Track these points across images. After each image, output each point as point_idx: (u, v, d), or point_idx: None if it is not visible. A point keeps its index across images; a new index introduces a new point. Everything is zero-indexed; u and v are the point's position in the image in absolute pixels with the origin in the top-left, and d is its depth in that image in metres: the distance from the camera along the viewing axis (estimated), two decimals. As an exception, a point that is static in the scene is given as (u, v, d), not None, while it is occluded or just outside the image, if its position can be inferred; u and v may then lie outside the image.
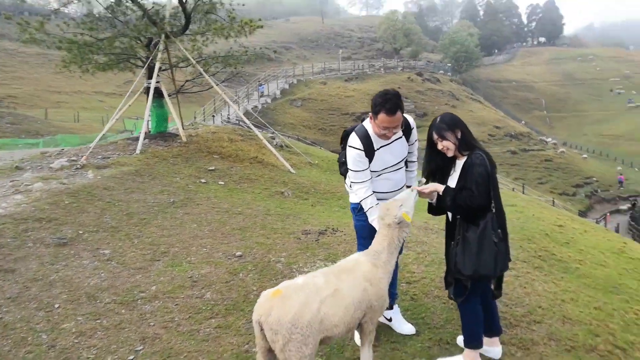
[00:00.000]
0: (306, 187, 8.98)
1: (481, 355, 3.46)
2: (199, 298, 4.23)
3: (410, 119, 3.71)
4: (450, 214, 3.36)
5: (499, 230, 3.12)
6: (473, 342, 3.30)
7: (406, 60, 61.38)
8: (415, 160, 3.91)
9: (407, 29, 64.33)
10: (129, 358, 3.36)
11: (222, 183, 8.33)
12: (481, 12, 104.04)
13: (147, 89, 10.55)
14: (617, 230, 23.38)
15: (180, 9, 10.78)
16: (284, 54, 64.06)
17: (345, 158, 3.58)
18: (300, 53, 68.30)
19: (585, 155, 47.83)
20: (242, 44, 12.33)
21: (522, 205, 9.79)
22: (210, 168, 8.98)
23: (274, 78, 44.18)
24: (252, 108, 34.91)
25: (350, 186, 3.65)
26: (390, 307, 3.90)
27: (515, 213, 8.71)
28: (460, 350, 3.48)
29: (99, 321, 3.78)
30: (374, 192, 3.53)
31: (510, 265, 5.33)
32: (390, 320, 3.90)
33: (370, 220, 3.49)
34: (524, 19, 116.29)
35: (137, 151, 9.08)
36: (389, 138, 3.42)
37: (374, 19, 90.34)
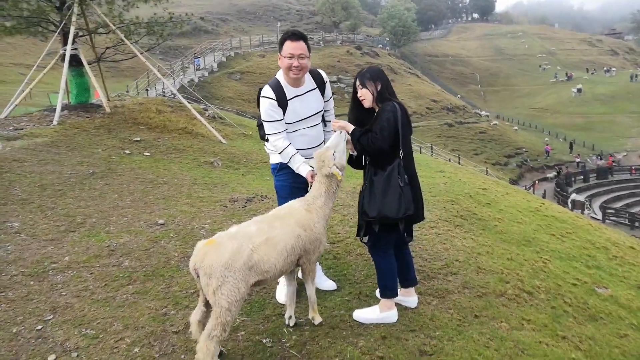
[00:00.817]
0: (237, 157, 8.82)
1: (398, 305, 3.58)
2: (117, 266, 4.07)
3: (323, 73, 3.70)
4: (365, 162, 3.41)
5: (406, 176, 3.20)
6: (387, 292, 3.40)
7: (345, 33, 61.32)
8: (334, 118, 3.91)
9: (345, 2, 64.14)
10: (38, 328, 3.19)
11: (148, 154, 8.00)
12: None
13: (63, 57, 9.82)
14: (544, 196, 24.91)
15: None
16: (221, 26, 62.09)
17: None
18: (238, 25, 66.42)
19: (516, 127, 50.19)
20: (173, 14, 11.71)
21: (451, 171, 10.15)
22: (136, 139, 8.59)
23: (211, 51, 42.85)
24: (188, 82, 33.80)
25: (267, 139, 3.59)
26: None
27: (443, 178, 9.02)
28: (379, 302, 3.58)
29: (3, 294, 3.55)
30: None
31: (432, 224, 5.59)
32: (311, 277, 3.93)
33: (295, 168, 3.46)
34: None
35: (55, 122, 8.50)
36: (298, 75, 3.38)
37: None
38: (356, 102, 3.37)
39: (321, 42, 54.45)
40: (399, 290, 3.60)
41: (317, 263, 3.99)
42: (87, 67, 10.00)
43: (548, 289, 4.40)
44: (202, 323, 2.79)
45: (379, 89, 3.27)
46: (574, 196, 28.97)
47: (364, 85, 3.27)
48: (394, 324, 3.38)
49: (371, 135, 3.13)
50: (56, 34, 9.90)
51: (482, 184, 9.03)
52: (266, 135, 3.54)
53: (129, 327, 3.22)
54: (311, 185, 3.33)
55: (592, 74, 72.70)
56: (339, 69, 47.17)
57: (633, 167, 38.49)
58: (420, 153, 24.52)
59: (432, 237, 5.10)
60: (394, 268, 3.41)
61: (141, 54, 10.62)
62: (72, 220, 4.93)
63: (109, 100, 10.90)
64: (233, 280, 2.63)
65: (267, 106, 3.41)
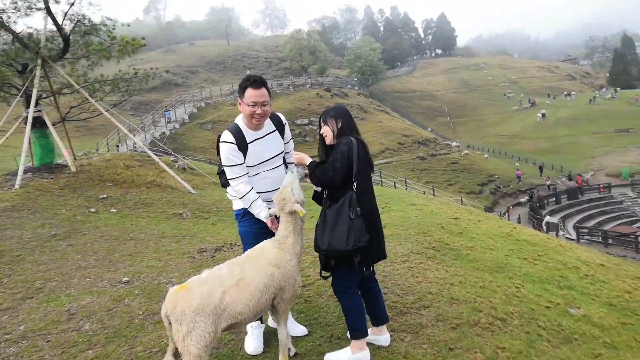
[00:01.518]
0: (207, 206, 8.72)
1: (370, 344, 3.49)
2: (76, 331, 3.89)
3: (281, 115, 3.74)
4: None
5: (358, 209, 3.16)
6: (357, 332, 3.32)
7: (314, 77, 62.72)
8: (295, 161, 3.92)
9: (312, 46, 65.93)
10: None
11: (115, 210, 7.85)
12: (381, 28, 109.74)
13: (26, 119, 9.73)
14: (519, 221, 25.23)
15: (57, 32, 10.10)
16: (191, 78, 62.83)
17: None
18: (208, 76, 67.33)
19: (486, 156, 51.27)
20: (138, 69, 11.81)
21: (422, 204, 10.21)
22: (102, 196, 8.44)
23: (181, 103, 43.20)
24: (159, 135, 33.83)
25: (229, 184, 3.58)
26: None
27: (415, 211, 9.06)
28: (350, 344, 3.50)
29: (-51, 374, 3.34)
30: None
31: (404, 258, 5.56)
32: (280, 324, 3.83)
33: (255, 214, 3.43)
34: (421, 33, 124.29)
35: (16, 186, 8.32)
36: (259, 121, 3.40)
37: (279, 38, 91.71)
38: (322, 140, 3.45)
39: (291, 87, 55.55)
40: (369, 329, 3.53)
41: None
42: (51, 127, 9.91)
43: (522, 314, 4.37)
44: None
45: (339, 126, 3.35)
46: (547, 219, 29.40)
47: (325, 123, 3.38)
48: (368, 365, 3.29)
49: (324, 166, 3.19)
50: (18, 97, 9.84)
51: (453, 214, 9.09)
52: (228, 181, 3.53)
53: (88, 395, 3.05)
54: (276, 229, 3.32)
55: (554, 98, 75.60)
56: (309, 112, 47.93)
57: (601, 186, 39.55)
58: (395, 188, 24.70)
59: (404, 272, 5.06)
60: (360, 307, 3.34)
61: (107, 111, 10.58)
62: (30, 286, 4.73)
63: (75, 159, 10.75)
64: (203, 325, 2.62)
65: (228, 151, 3.41)
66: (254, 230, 3.55)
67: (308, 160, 3.31)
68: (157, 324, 3.94)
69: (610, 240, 24.52)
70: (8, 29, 9.67)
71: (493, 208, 35.16)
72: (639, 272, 7.77)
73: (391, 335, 3.65)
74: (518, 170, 44.06)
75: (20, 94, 9.83)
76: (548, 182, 41.41)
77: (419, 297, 4.39)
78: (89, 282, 4.87)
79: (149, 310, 4.19)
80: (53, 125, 10.03)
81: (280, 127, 3.67)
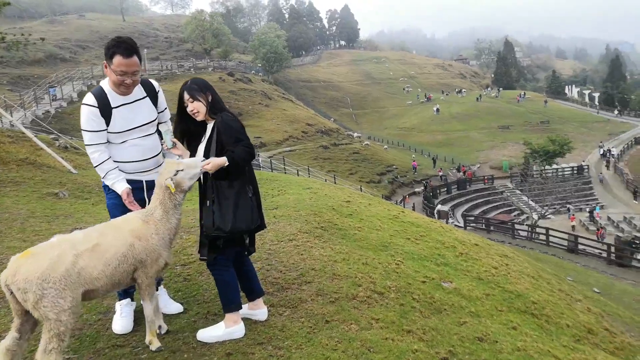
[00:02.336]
0: (90, 186, 8.09)
1: (247, 319, 3.46)
2: None
3: (155, 82, 3.54)
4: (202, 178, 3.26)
5: (251, 186, 3.23)
6: (231, 305, 3.28)
7: (217, 60, 61.03)
8: (171, 132, 3.72)
9: (215, 29, 63.95)
10: None
11: (-25, 190, 7.01)
12: (286, 15, 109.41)
13: None
14: (413, 209, 26.72)
15: None
16: (81, 54, 57.69)
17: None
18: (100, 53, 62.42)
19: (386, 147, 53.59)
20: (6, 34, 10.53)
21: (318, 188, 10.38)
22: (-41, 174, 7.49)
23: (69, 80, 39.66)
24: (42, 113, 30.86)
25: (87, 150, 3.33)
26: (155, 289, 3.67)
27: (309, 194, 9.17)
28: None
29: None
30: (123, 161, 3.31)
31: (292, 237, 5.58)
32: (155, 303, 3.66)
33: (110, 185, 3.24)
34: (325, 23, 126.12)
35: None
36: (128, 89, 3.18)
37: (180, 18, 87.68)
38: (185, 114, 3.24)
39: (192, 69, 53.58)
40: (245, 305, 3.50)
41: (163, 287, 3.75)
42: None
43: (399, 288, 4.59)
44: (12, 352, 2.54)
45: (210, 100, 3.21)
46: (439, 207, 31.52)
47: (195, 99, 3.15)
48: (241, 339, 3.25)
49: (243, 145, 3.07)
50: None
51: (346, 198, 9.34)
52: (85, 146, 3.27)
53: None
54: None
55: (447, 95, 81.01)
56: (212, 96, 46.53)
57: (485, 177, 43.29)
58: (298, 175, 24.91)
59: (290, 250, 5.08)
60: (234, 281, 3.31)
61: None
62: None
63: None
64: (54, 292, 2.47)
65: (88, 114, 3.16)
66: (122, 203, 3.32)
67: (220, 160, 3.02)
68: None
69: (492, 227, 26.91)
70: None
71: (391, 197, 36.90)
72: (507, 252, 8.59)
73: (270, 310, 3.65)
74: (414, 161, 46.66)
75: None
76: (440, 174, 44.32)
77: (302, 274, 4.43)
78: None
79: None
80: None
81: (152, 94, 3.46)
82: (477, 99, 74.06)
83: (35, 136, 10.08)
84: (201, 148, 3.27)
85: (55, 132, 13.21)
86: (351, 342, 3.37)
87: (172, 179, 3.00)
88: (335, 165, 42.53)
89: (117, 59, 3.05)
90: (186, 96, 3.16)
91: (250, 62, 68.88)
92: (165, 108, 3.63)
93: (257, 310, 3.53)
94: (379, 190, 38.24)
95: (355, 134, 56.16)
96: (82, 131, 3.22)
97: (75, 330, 3.35)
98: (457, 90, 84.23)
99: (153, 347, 3.04)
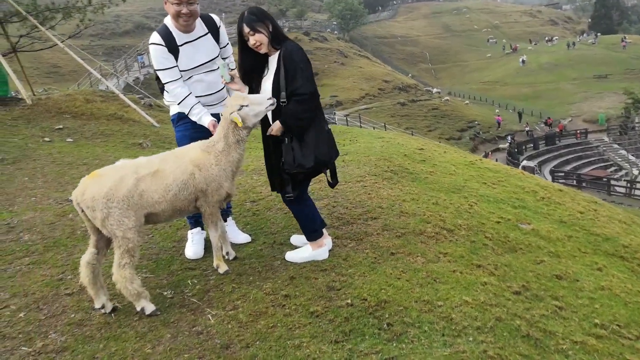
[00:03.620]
0: (170, 137, 8.53)
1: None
2: (14, 241, 3.82)
3: (216, 17, 3.54)
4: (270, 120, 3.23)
5: (325, 119, 3.23)
6: (315, 233, 3.36)
7: (292, 20, 60.81)
8: (234, 67, 3.74)
9: (291, -11, 63.49)
10: None
11: (71, 140, 7.63)
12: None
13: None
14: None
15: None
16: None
17: None
18: (183, 20, 64.60)
19: (467, 102, 51.20)
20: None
21: (391, 137, 10.16)
22: (58, 127, 8.18)
23: (155, 47, 41.37)
24: (133, 80, 32.75)
25: (162, 90, 3.45)
26: (224, 220, 3.81)
27: (381, 142, 9.00)
28: (293, 249, 3.51)
29: None
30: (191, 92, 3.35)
31: (360, 178, 5.53)
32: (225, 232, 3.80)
33: (196, 119, 3.32)
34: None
35: (-35, 115, 8.01)
36: (187, 22, 3.21)
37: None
38: (246, 49, 3.11)
39: (269, 31, 53.79)
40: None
41: (231, 218, 3.88)
42: (1, 58, 9.41)
43: (470, 226, 4.41)
44: (92, 265, 2.72)
45: (271, 30, 3.06)
46: (524, 163, 29.84)
47: (255, 30, 2.99)
48: (304, 266, 3.30)
49: (295, 101, 2.99)
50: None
51: (420, 146, 9.07)
52: (164, 85, 3.38)
53: (17, 295, 3.01)
54: None
55: (535, 44, 74.99)
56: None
57: (578, 131, 40.03)
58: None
59: (357, 189, 5.03)
60: (314, 210, 3.39)
61: (62, 42, 10.07)
62: (-29, 204, 4.62)
63: (33, 93, 10.32)
64: (119, 211, 2.59)
65: (158, 53, 3.24)
66: (191, 135, 3.43)
67: (278, 125, 3.03)
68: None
69: (584, 184, 25.11)
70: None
71: (472, 154, 35.50)
72: (596, 199, 7.95)
73: (334, 242, 3.66)
74: (498, 116, 44.23)
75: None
76: (527, 128, 41.72)
77: (368, 210, 4.39)
78: (34, 200, 4.77)
79: (94, 225, 4.11)
80: (4, 56, 9.52)
81: (214, 30, 3.47)
82: (568, 46, 67.77)
83: (123, 96, 10.72)
84: (266, 83, 3.17)
85: (143, 92, 13.97)
86: (416, 272, 3.30)
87: (237, 113, 2.97)
88: (413, 122, 41.46)
89: None
90: (246, 29, 3.00)
91: (325, 21, 67.93)
92: (228, 43, 3.64)
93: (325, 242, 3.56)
94: (460, 147, 36.80)
95: (435, 90, 54.13)
96: (157, 72, 3.30)
97: (152, 255, 3.59)
98: (547, 38, 77.65)
99: (221, 270, 3.18)
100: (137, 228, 2.67)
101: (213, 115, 3.49)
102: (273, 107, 3.03)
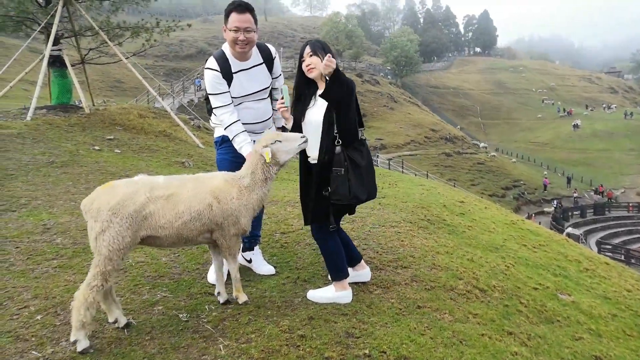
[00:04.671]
0: (212, 159, 8.68)
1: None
2: (47, 242, 3.90)
3: (271, 47, 3.60)
4: (307, 150, 3.23)
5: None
6: (340, 273, 3.27)
7: (347, 61, 62.09)
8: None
9: (349, 31, 65.05)
10: (-62, 295, 2.99)
11: (119, 151, 7.89)
12: (421, 20, 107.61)
13: (49, 57, 9.82)
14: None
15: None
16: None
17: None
18: (242, 49, 67.04)
19: (514, 160, 50.16)
20: (160, 19, 11.76)
21: (431, 186, 9.98)
22: (109, 137, 8.50)
23: (213, 72, 43.06)
24: (187, 101, 34.03)
25: (210, 113, 3.49)
26: (251, 249, 3.77)
27: (420, 189, 8.84)
28: (317, 287, 3.42)
29: None
30: (239, 120, 3.37)
31: (394, 224, 5.41)
32: (250, 261, 3.77)
33: (238, 148, 3.32)
34: (461, 29, 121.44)
35: (28, 118, 8.44)
36: (243, 49, 3.26)
37: (317, 20, 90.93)
38: (302, 75, 3.18)
39: (323, 69, 55.01)
40: (349, 270, 3.45)
41: (258, 248, 3.82)
42: (70, 68, 9.99)
43: (505, 289, 4.18)
44: None
45: None
46: (569, 230, 28.63)
47: (315, 54, 3.08)
48: (325, 307, 3.18)
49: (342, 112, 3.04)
50: (36, 31, 9.91)
51: (461, 198, 8.85)
52: (213, 109, 3.42)
53: (38, 297, 3.03)
54: None
55: (592, 110, 73.23)
56: (339, 95, 47.48)
57: (630, 204, 38.19)
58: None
59: (390, 235, 4.90)
60: (341, 249, 3.30)
61: (127, 58, 10.60)
62: (15, 201, 4.78)
63: (93, 104, 10.84)
64: (118, 227, 2.45)
65: (212, 78, 3.31)
66: (231, 159, 3.45)
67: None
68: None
69: (633, 260, 23.71)
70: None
71: (514, 213, 34.45)
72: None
73: (359, 286, 3.54)
74: (546, 178, 43.02)
75: (39, 29, 9.88)
76: (575, 195, 40.25)
77: (399, 258, 4.24)
78: (73, 205, 4.88)
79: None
80: (72, 66, 10.09)
81: (268, 61, 3.53)
82: (626, 115, 65.76)
83: (174, 115, 11.09)
84: (310, 113, 3.18)
85: (194, 114, 14.43)
86: (442, 330, 3.12)
87: (269, 147, 2.95)
88: (456, 174, 40.84)
89: (232, 16, 3.18)
90: (307, 50, 3.10)
91: (379, 65, 69.03)
92: (280, 74, 3.69)
93: (361, 271, 3.53)
94: (503, 205, 35.77)
95: (482, 144, 53.41)
96: (210, 96, 3.34)
97: (174, 274, 3.56)
98: (604, 105, 75.79)
99: (240, 301, 3.08)
100: (126, 250, 2.52)
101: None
102: (306, 146, 3.04)
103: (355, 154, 3.07)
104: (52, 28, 9.57)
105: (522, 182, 42.32)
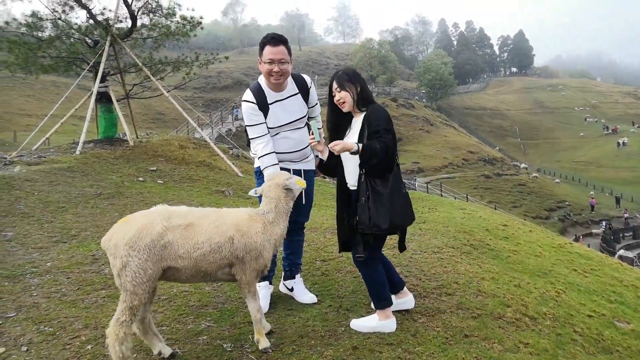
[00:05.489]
0: (252, 188, 8.81)
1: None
2: (96, 273, 4.01)
3: (307, 77, 3.65)
4: (346, 177, 3.25)
5: (404, 182, 3.17)
6: (383, 302, 3.22)
7: (381, 86, 62.37)
8: (320, 127, 3.81)
9: (382, 56, 65.56)
10: (-4, 324, 3.12)
11: (161, 182, 8.13)
12: (455, 42, 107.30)
13: (96, 94, 10.35)
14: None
15: (127, 11, 10.72)
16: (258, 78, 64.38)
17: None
18: (278, 80, 68.50)
19: (557, 180, 48.59)
20: (199, 54, 12.25)
21: (472, 209, 9.76)
22: (152, 168, 8.78)
23: (250, 102, 44.10)
24: (226, 131, 34.88)
25: (249, 144, 3.55)
26: (292, 277, 3.76)
27: (461, 213, 8.66)
28: (359, 316, 3.36)
29: (-26, 291, 3.54)
30: (275, 152, 3.42)
31: (436, 249, 5.30)
32: (291, 290, 3.75)
33: (266, 180, 3.36)
34: (496, 50, 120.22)
35: (77, 152, 8.86)
36: (278, 81, 3.32)
37: (350, 46, 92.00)
38: (334, 106, 3.22)
39: (357, 95, 55.39)
40: (393, 297, 3.40)
41: (299, 276, 3.81)
42: (115, 103, 10.47)
43: (557, 317, 4.00)
44: (140, 317, 2.64)
45: (358, 91, 3.14)
46: (621, 252, 27.25)
47: (342, 88, 3.11)
48: (370, 337, 3.12)
49: (383, 137, 2.93)
50: (85, 70, 10.49)
51: (503, 221, 8.60)
52: (249, 140, 3.49)
53: (88, 327, 3.11)
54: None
55: (639, 127, 70.39)
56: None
57: (687, 224, 36.14)
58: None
59: (433, 261, 4.80)
60: (383, 277, 3.25)
61: (168, 91, 11.03)
62: (66, 233, 4.97)
63: (136, 136, 11.26)
64: (138, 261, 2.42)
65: (248, 110, 3.38)
66: None
67: (351, 144, 2.96)
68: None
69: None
70: (84, 6, 10.36)
71: (560, 236, 33.14)
72: None
73: (403, 315, 3.46)
74: (592, 198, 41.33)
75: (88, 68, 10.46)
76: (626, 215, 38.43)
77: (443, 284, 4.13)
78: (119, 236, 5.02)
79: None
80: (117, 101, 10.58)
81: (304, 90, 3.58)
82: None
83: (214, 145, 11.39)
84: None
85: (233, 143, 14.76)
86: (492, 361, 2.99)
87: (294, 179, 3.00)
88: (497, 196, 39.82)
89: (266, 49, 3.25)
90: (334, 85, 3.14)
91: (414, 89, 69.00)
92: (317, 103, 3.73)
93: (405, 297, 3.47)
94: (547, 227, 34.57)
95: (522, 165, 52.10)
96: (246, 127, 3.42)
97: (217, 303, 3.59)
98: (651, 121, 72.76)
99: (261, 346, 2.89)
100: (150, 284, 2.50)
101: (294, 171, 3.55)
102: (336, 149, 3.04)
103: (377, 181, 3.01)
104: (99, 66, 10.11)
105: (567, 203, 40.84)
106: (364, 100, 3.14)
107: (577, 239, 32.14)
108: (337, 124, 3.29)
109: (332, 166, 3.33)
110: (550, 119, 78.11)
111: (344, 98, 3.11)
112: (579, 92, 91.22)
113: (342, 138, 3.25)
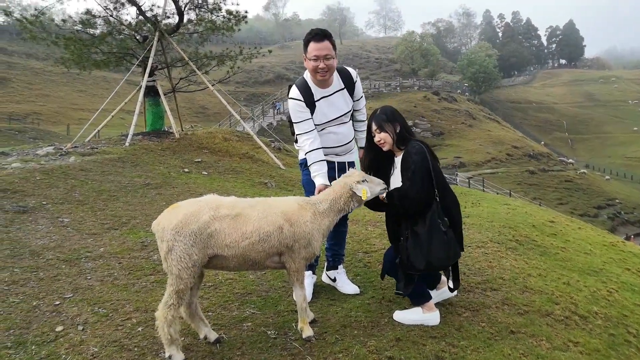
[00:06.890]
0: (293, 180, 8.91)
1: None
2: (145, 259, 4.17)
3: (352, 70, 3.63)
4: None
5: (446, 218, 3.05)
6: (421, 299, 3.23)
7: (423, 80, 61.39)
8: (364, 119, 3.80)
9: (424, 49, 64.48)
10: (56, 303, 3.31)
11: (206, 173, 8.33)
12: (500, 34, 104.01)
13: (145, 88, 10.71)
14: None
15: (174, 7, 11.03)
16: (302, 74, 64.70)
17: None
18: (318, 73, 68.62)
19: (608, 177, 46.59)
20: (243, 47, 12.44)
21: (517, 205, 9.49)
22: (197, 160, 9.01)
23: (290, 96, 44.52)
24: (267, 125, 35.30)
25: (297, 140, 3.57)
26: (335, 268, 3.79)
27: (506, 209, 8.43)
28: (402, 308, 3.36)
29: (35, 273, 3.75)
30: (321, 147, 3.43)
31: (481, 244, 5.20)
32: (334, 280, 3.78)
33: (312, 176, 3.37)
34: (544, 41, 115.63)
35: (127, 144, 9.20)
36: (324, 77, 3.32)
37: (391, 40, 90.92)
38: (372, 145, 3.23)
39: (398, 88, 54.94)
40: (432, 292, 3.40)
41: (342, 267, 3.83)
42: (162, 97, 10.79)
43: (609, 316, 3.85)
44: (187, 302, 2.71)
45: (398, 131, 3.12)
46: (676, 252, 25.87)
47: (382, 129, 3.11)
48: (413, 330, 3.10)
49: (402, 186, 2.98)
50: (135, 65, 10.86)
51: (551, 218, 8.32)
52: (296, 137, 3.52)
53: (139, 309, 3.24)
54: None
55: (699, 121, 66.41)
56: (415, 114, 47.06)
57: None
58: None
59: (477, 256, 4.71)
60: (427, 289, 3.30)
61: (213, 85, 11.26)
62: (117, 220, 5.18)
63: (182, 129, 11.56)
64: (183, 246, 2.48)
65: (295, 107, 3.39)
66: None
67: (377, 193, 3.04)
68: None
69: None
70: (134, 3, 10.73)
71: (611, 234, 31.78)
72: None
73: (447, 308, 3.42)
74: (645, 195, 39.42)
75: (137, 63, 10.82)
76: (681, 213, 36.49)
77: (488, 280, 4.06)
78: (167, 224, 5.19)
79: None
80: (164, 95, 10.90)
81: (349, 85, 3.56)
82: None
83: (257, 138, 11.57)
84: (394, 182, 3.18)
85: (275, 136, 14.92)
86: (540, 358, 2.93)
87: (365, 185, 2.96)
88: (542, 192, 38.61)
89: (311, 45, 3.23)
90: (374, 126, 3.14)
91: (457, 82, 67.55)
92: (362, 96, 3.72)
93: (443, 287, 3.46)
94: (596, 226, 33.15)
95: (570, 161, 50.18)
96: (293, 124, 3.44)
97: (262, 291, 3.66)
98: None
99: (304, 335, 2.92)
100: (196, 269, 2.55)
101: (339, 163, 3.56)
102: (384, 193, 3.05)
103: (416, 221, 3.01)
104: (148, 61, 10.45)
105: (617, 200, 39.16)
106: (403, 139, 3.13)
107: (627, 238, 30.72)
108: (377, 162, 3.29)
109: (378, 202, 3.24)
110: (602, 112, 74.71)
111: (384, 139, 3.12)
112: (633, 84, 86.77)
113: (384, 177, 3.24)
